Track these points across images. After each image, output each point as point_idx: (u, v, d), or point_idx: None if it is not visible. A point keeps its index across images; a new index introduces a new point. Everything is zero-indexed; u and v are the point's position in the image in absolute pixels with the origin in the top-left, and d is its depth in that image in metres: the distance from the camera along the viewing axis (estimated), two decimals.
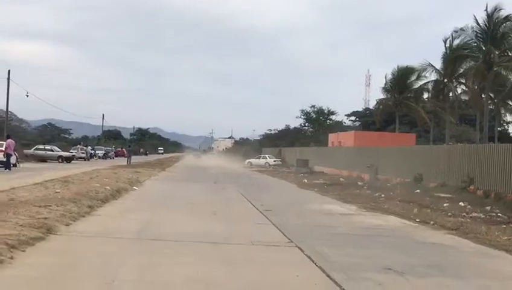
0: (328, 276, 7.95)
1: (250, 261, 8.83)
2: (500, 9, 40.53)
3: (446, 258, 10.07)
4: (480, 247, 11.42)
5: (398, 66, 56.70)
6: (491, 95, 46.56)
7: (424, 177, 28.42)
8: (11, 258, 7.82)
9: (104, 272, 7.49)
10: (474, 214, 16.76)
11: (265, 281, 7.64)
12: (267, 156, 72.25)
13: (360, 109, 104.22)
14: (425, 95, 55.47)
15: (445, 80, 47.94)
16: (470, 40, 43.33)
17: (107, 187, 20.02)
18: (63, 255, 8.54)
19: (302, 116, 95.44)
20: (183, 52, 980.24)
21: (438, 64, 48.04)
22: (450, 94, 48.51)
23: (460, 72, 46.80)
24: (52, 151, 55.68)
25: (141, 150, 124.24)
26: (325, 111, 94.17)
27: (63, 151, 57.80)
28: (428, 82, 51.26)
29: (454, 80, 47.99)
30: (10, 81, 57.28)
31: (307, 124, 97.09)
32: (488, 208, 18.47)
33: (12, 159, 35.22)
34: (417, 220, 15.52)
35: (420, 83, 53.62)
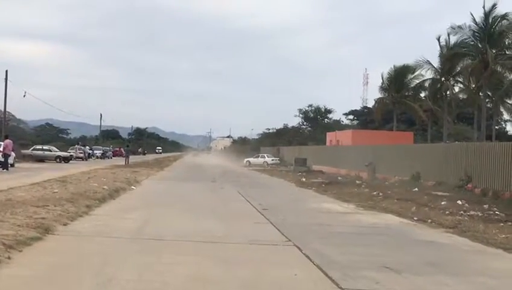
0: (326, 274, 7.96)
1: (248, 260, 8.83)
2: (497, 6, 40.60)
3: (444, 256, 10.08)
4: (478, 245, 11.43)
5: (394, 66, 56.74)
6: (489, 93, 46.59)
7: (422, 176, 28.46)
8: (9, 258, 7.82)
9: (102, 272, 7.49)
10: (472, 212, 16.75)
11: (264, 280, 7.64)
12: (265, 155, 72.21)
13: (358, 108, 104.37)
14: (423, 94, 55.58)
15: (443, 78, 47.98)
16: (467, 39, 43.33)
17: (105, 187, 20.02)
18: (61, 255, 8.53)
19: (300, 115, 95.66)
20: (181, 51, 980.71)
21: (435, 63, 48.15)
22: (447, 92, 48.52)
23: (458, 70, 46.82)
24: (50, 151, 55.71)
25: (139, 149, 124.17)
26: (322, 110, 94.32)
27: (61, 151, 57.84)
28: (426, 80, 51.34)
29: (451, 78, 48.02)
30: (8, 81, 57.08)
31: (305, 123, 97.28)
32: (486, 206, 18.47)
33: (10, 159, 35.22)
34: (415, 218, 15.53)
35: (417, 81, 53.72)
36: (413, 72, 53.49)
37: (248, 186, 27.87)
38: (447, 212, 16.75)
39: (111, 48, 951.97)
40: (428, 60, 48.14)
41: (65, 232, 10.55)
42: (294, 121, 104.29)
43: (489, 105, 49.07)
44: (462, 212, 16.80)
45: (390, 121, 62.72)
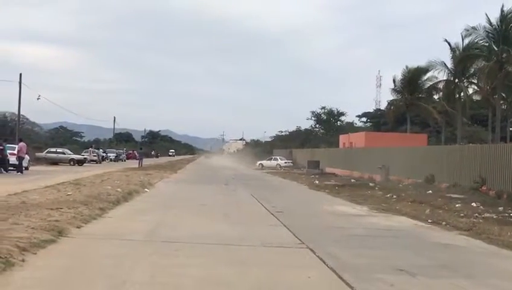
0: (340, 277, 7.92)
1: (261, 263, 8.80)
2: None
3: (458, 258, 10.01)
4: (492, 247, 11.35)
5: (407, 67, 56.46)
6: (503, 94, 46.28)
7: (436, 178, 28.32)
8: (23, 260, 7.84)
9: (115, 274, 7.50)
10: (486, 215, 16.65)
11: (277, 283, 7.61)
12: (278, 157, 72.13)
13: (371, 110, 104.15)
14: (437, 96, 55.32)
15: (456, 80, 47.73)
16: (481, 40, 43.07)
17: (119, 189, 20.07)
18: (75, 258, 8.55)
19: (312, 118, 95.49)
20: (193, 54, 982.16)
21: (448, 64, 47.90)
22: (461, 94, 48.26)
23: (472, 71, 46.56)
24: (64, 154, 55.97)
25: (152, 152, 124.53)
26: (335, 112, 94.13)
27: (74, 154, 58.14)
28: (439, 82, 51.06)
29: (465, 80, 47.76)
30: (22, 84, 57.43)
31: (317, 126, 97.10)
32: (501, 208, 18.35)
33: (25, 162, 35.42)
34: (429, 221, 15.45)
35: (431, 83, 53.45)
36: (427, 73, 53.22)
37: (261, 188, 27.85)
38: (461, 214, 16.66)
39: (124, 51, 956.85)
40: (443, 62, 47.89)
41: (79, 234, 10.57)
42: (307, 123, 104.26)
43: (503, 107, 48.70)
44: (476, 214, 16.70)
45: (404, 123, 62.51)
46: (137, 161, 58.86)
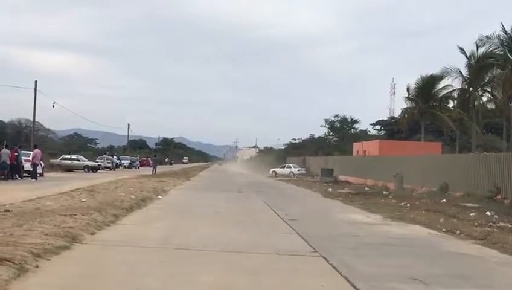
0: (354, 286, 7.88)
1: (274, 271, 8.78)
2: None
3: (473, 268, 9.94)
4: (507, 257, 11.24)
5: (421, 76, 56.23)
6: None
7: (450, 187, 28.18)
8: (37, 267, 7.87)
9: (128, 281, 7.51)
10: (501, 224, 16.52)
11: None
12: (291, 165, 72.08)
13: (385, 118, 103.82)
14: (451, 104, 55.07)
15: (470, 88, 47.50)
16: (496, 49, 42.86)
17: (132, 196, 20.12)
18: (88, 264, 8.57)
19: (326, 126, 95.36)
20: (207, 61, 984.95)
21: (463, 73, 47.66)
22: (476, 103, 48.01)
23: (486, 80, 46.33)
24: (78, 161, 56.30)
25: (166, 159, 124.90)
26: (348, 120, 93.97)
27: (89, 161, 58.41)
28: (454, 90, 50.84)
29: (479, 89, 47.51)
30: (37, 91, 57.84)
31: (331, 133, 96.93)
32: None
33: (39, 169, 35.65)
34: (443, 229, 15.34)
35: (445, 91, 53.20)
36: (441, 81, 52.94)
37: (274, 196, 27.83)
38: (475, 223, 16.53)
39: (138, 58, 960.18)
40: (458, 69, 47.65)
41: (92, 241, 10.60)
42: (321, 131, 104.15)
43: None
44: (491, 223, 16.57)
45: (418, 132, 62.23)
46: (151, 168, 59.02)
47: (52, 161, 53.19)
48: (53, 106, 63.71)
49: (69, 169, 52.67)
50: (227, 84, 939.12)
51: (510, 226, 16.19)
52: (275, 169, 70.79)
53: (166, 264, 8.82)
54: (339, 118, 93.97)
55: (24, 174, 34.00)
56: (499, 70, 43.11)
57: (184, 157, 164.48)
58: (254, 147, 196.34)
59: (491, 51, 43.65)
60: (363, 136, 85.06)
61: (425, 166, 33.99)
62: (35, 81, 58.17)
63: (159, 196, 23.38)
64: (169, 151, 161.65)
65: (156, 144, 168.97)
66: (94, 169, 54.92)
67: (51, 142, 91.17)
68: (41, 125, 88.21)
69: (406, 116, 61.72)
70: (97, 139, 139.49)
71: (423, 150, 48.25)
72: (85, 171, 52.85)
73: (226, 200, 23.64)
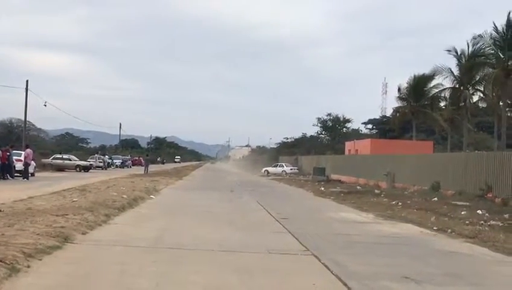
0: (345, 285, 7.91)
1: (266, 270, 8.79)
2: None
3: (464, 266, 9.98)
4: (498, 255, 11.31)
5: (414, 75, 56.34)
6: (509, 102, 46.14)
7: (442, 185, 28.27)
8: (28, 266, 7.85)
9: (120, 281, 7.51)
10: (492, 222, 16.58)
11: None
12: (283, 164, 72.13)
13: (377, 117, 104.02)
14: (442, 103, 55.20)
15: (461, 87, 47.63)
16: (488, 47, 42.97)
17: (124, 196, 20.09)
18: (80, 264, 8.56)
19: (318, 124, 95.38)
20: (200, 61, 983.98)
21: (454, 72, 47.77)
22: (467, 101, 48.15)
23: (477, 79, 46.48)
24: (70, 160, 56.11)
25: (158, 159, 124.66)
26: (341, 119, 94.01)
27: (80, 160, 58.22)
28: (445, 89, 50.95)
29: (470, 87, 47.66)
30: (28, 91, 57.64)
31: (323, 132, 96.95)
32: (507, 215, 18.27)
33: (31, 169, 35.53)
34: (435, 228, 15.41)
35: (436, 90, 53.31)
36: (432, 80, 53.08)
37: (266, 195, 27.86)
38: (467, 222, 16.61)
39: (130, 58, 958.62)
40: (449, 68, 47.77)
41: (84, 241, 10.58)
42: (313, 130, 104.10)
43: (509, 114, 48.53)
44: (482, 222, 16.65)
45: (410, 130, 62.38)
46: (143, 167, 58.93)
47: (43, 160, 53.01)
48: (44, 106, 63.54)
49: (61, 169, 52.50)
50: (220, 84, 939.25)
51: (501, 224, 16.27)
52: (267, 168, 70.87)
53: (158, 264, 8.81)
54: (332, 117, 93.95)
55: (15, 174, 33.85)
56: (490, 70, 43.23)
57: (176, 157, 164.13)
58: (246, 146, 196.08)
59: (482, 50, 43.77)
60: (355, 135, 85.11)
61: (417, 165, 34.08)
62: (27, 81, 57.99)
63: (151, 196, 23.36)
64: (162, 150, 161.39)
65: (148, 143, 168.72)
66: (86, 169, 54.77)
67: (42, 141, 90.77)
68: (33, 125, 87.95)
69: (397, 114, 61.92)
70: (89, 138, 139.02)
71: (415, 149, 48.43)
72: (77, 171, 52.68)
73: (218, 200, 23.64)
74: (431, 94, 54.62)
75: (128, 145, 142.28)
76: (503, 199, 22.34)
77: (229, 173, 72.74)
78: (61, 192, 20.83)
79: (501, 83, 40.86)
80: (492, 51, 42.77)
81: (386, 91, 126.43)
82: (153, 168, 64.81)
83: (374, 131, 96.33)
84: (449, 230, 14.89)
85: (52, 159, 55.02)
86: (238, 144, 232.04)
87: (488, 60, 43.47)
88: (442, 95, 52.49)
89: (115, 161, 79.26)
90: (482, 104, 50.13)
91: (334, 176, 49.17)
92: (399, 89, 58.56)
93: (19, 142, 55.83)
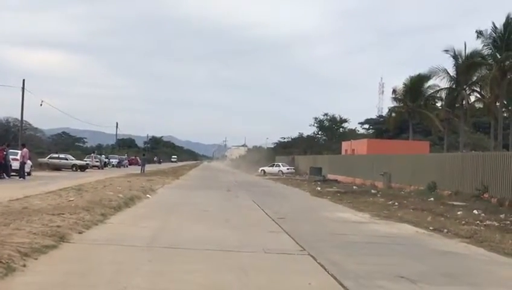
0: (341, 284, 7.92)
1: (262, 269, 8.80)
2: None
3: (460, 266, 9.99)
4: (494, 255, 11.33)
5: (410, 76, 56.42)
6: (505, 102, 46.27)
7: (438, 185, 28.31)
8: (24, 266, 7.85)
9: (116, 280, 7.50)
10: (488, 222, 16.62)
11: (278, 289, 7.63)
12: (280, 164, 72.12)
13: (374, 117, 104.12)
14: (439, 103, 55.30)
15: (458, 88, 47.71)
16: (486, 46, 43.00)
17: (120, 195, 20.08)
18: (76, 263, 8.55)
19: (315, 124, 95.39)
20: (197, 60, 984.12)
21: (451, 72, 47.84)
22: (463, 102, 48.25)
23: (474, 79, 46.57)
24: (66, 159, 56.00)
25: (155, 158, 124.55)
26: (337, 119, 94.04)
27: (77, 159, 58.12)
28: (442, 89, 51.03)
29: (467, 88, 47.74)
30: (25, 90, 57.60)
31: (320, 132, 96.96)
32: (503, 216, 18.32)
33: (27, 168, 35.47)
34: (431, 228, 15.42)
35: (433, 90, 53.40)
36: (429, 80, 53.18)
37: (263, 195, 27.85)
38: (463, 222, 16.64)
39: (127, 57, 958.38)
40: (445, 69, 47.86)
41: (80, 240, 10.58)
42: (310, 130, 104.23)
43: (506, 114, 48.66)
44: (478, 222, 16.68)
45: (406, 131, 62.49)
46: (140, 166, 58.88)
47: (40, 159, 52.91)
48: (41, 105, 63.48)
49: (57, 168, 52.39)
50: (217, 83, 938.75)
51: (497, 224, 16.30)
52: (264, 168, 70.82)
53: (155, 263, 8.81)
54: (328, 117, 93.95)
55: (12, 173, 33.80)
56: (487, 71, 43.32)
57: (173, 156, 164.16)
58: (243, 145, 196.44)
59: (480, 49, 43.82)
60: (352, 135, 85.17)
61: (413, 165, 34.11)
62: (23, 80, 58.02)
63: (148, 195, 23.35)
64: (158, 150, 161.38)
65: (145, 143, 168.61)
66: (82, 168, 54.64)
67: (38, 141, 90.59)
68: (29, 124, 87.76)
69: (392, 114, 62.03)
70: (85, 138, 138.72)
71: (411, 149, 48.46)
72: (73, 170, 52.59)
73: (214, 199, 23.63)
74: (427, 94, 54.74)
75: (125, 145, 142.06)
76: (499, 199, 22.39)
77: (226, 172, 72.75)
78: (58, 191, 20.79)
79: (498, 83, 40.95)
80: (490, 51, 42.85)
81: (382, 91, 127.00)
82: (149, 167, 64.72)
83: (371, 131, 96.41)
84: (445, 230, 14.91)
85: (48, 158, 54.91)
86: (234, 143, 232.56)
87: (485, 61, 43.53)
88: (439, 95, 52.63)
89: (111, 160, 79.12)
90: (478, 105, 50.23)
91: (330, 176, 49.22)
92: (394, 91, 58.80)
93: (16, 141, 55.70)
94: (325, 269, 8.93)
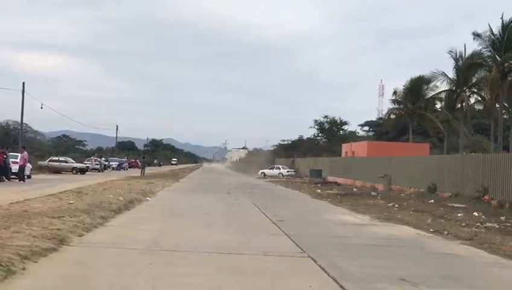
0: (342, 287, 7.91)
1: (263, 272, 8.78)
2: None
3: (460, 268, 9.98)
4: (494, 257, 11.32)
5: (411, 78, 56.46)
6: (505, 104, 46.25)
7: (438, 187, 28.30)
8: (24, 269, 7.84)
9: (117, 283, 7.49)
10: (488, 224, 16.62)
11: None
12: (280, 166, 72.13)
13: (374, 119, 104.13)
14: (439, 105, 55.30)
15: (458, 90, 47.73)
16: (485, 48, 43.01)
17: (120, 198, 20.06)
18: (76, 266, 8.54)
19: (315, 127, 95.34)
20: (197, 63, 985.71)
21: (450, 75, 47.89)
22: (463, 104, 48.27)
23: (474, 81, 46.58)
24: (67, 162, 55.95)
25: (155, 161, 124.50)
26: (338, 121, 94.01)
27: (77, 162, 58.08)
28: (442, 92, 51.05)
29: (467, 90, 47.76)
30: (25, 93, 57.61)
31: (320, 135, 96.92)
32: (503, 218, 18.31)
33: (27, 171, 35.47)
34: (431, 230, 15.42)
35: (433, 92, 53.43)
36: (429, 84, 53.20)
37: (263, 197, 27.82)
38: (463, 224, 16.63)
39: (127, 60, 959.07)
40: (444, 72, 47.89)
41: (80, 243, 10.57)
42: (310, 132, 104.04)
43: (506, 116, 48.64)
44: (478, 224, 16.67)
45: (406, 133, 62.46)
46: (140, 169, 58.84)
47: (40, 162, 52.88)
48: (41, 108, 63.51)
49: (57, 171, 52.32)
50: (217, 86, 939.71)
51: (497, 226, 16.30)
52: (263, 170, 70.80)
53: (155, 266, 8.80)
54: (329, 119, 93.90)
55: (12, 176, 33.78)
56: (486, 72, 43.30)
57: (173, 159, 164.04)
58: (243, 148, 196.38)
59: (479, 51, 43.79)
60: (352, 137, 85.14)
61: (414, 167, 34.10)
62: (23, 83, 58.03)
63: (148, 198, 23.34)
64: (158, 152, 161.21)
65: (145, 146, 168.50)
66: (82, 171, 54.61)
67: (38, 144, 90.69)
68: (30, 127, 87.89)
69: (390, 116, 62.03)
70: (85, 140, 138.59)
71: (411, 151, 48.41)
72: (73, 173, 52.57)
73: (214, 202, 23.60)
74: (427, 96, 54.76)
75: (125, 148, 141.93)
76: (499, 201, 22.37)
77: (226, 175, 72.74)
78: (58, 194, 20.78)
79: (498, 85, 40.93)
80: (490, 53, 42.84)
81: (382, 93, 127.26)
82: (149, 170, 64.73)
83: (371, 133, 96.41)
84: (445, 232, 14.90)
85: (48, 161, 54.87)
86: (234, 146, 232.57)
87: (485, 62, 43.53)
88: (439, 97, 52.63)
89: (111, 163, 79.08)
90: (478, 107, 50.24)
91: (330, 178, 49.24)
92: (395, 93, 58.80)
93: (16, 144, 55.71)
94: (326, 272, 8.91)
